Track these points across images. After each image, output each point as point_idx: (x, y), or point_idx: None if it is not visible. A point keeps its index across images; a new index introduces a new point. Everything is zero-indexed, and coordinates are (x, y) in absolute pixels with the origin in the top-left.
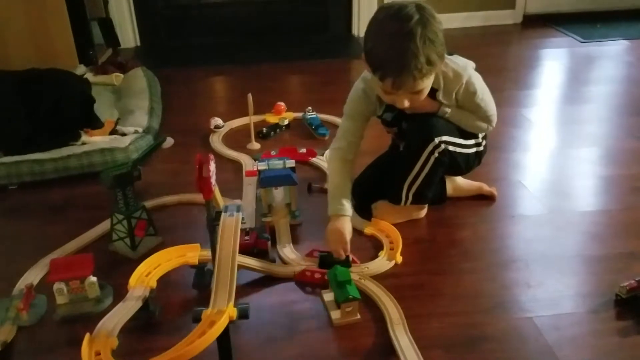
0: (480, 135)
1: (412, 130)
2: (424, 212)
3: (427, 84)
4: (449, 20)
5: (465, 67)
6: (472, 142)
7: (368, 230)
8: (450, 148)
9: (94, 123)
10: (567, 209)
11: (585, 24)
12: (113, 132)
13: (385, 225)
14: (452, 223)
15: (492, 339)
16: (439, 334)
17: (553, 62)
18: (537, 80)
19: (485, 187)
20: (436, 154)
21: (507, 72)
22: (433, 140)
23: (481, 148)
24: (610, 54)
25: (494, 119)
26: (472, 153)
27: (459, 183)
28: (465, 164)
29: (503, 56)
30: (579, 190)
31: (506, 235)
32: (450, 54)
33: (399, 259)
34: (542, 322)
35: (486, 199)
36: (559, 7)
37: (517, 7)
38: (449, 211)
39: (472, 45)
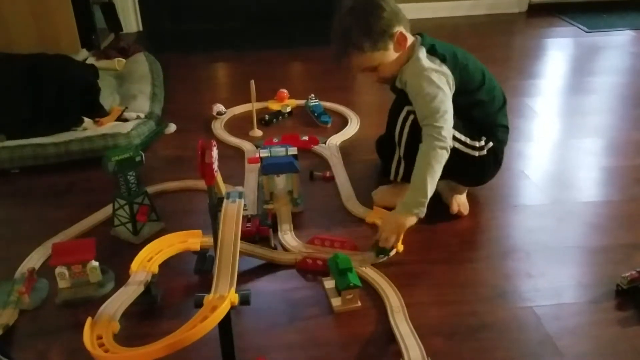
0: (482, 143)
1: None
2: None
3: (368, 61)
4: (454, 9)
5: (427, 60)
6: (465, 139)
7: (370, 218)
8: None
9: (98, 112)
10: (569, 200)
11: (590, 13)
12: (120, 119)
13: (386, 215)
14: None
15: (493, 328)
16: (439, 322)
17: (558, 51)
18: (541, 70)
19: (455, 206)
20: (407, 126)
21: (512, 62)
22: (402, 109)
23: (484, 152)
24: (615, 44)
25: (435, 122)
26: (464, 152)
27: (446, 184)
28: (458, 160)
29: (508, 45)
30: (581, 180)
31: (508, 225)
32: (421, 34)
33: (401, 247)
34: (543, 312)
35: (483, 188)
36: None
37: None
38: None
39: (477, 34)
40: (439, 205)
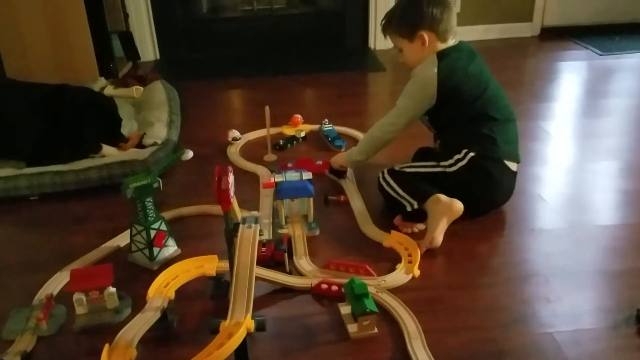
0: (458, 156)
1: None
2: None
3: (397, 42)
4: (468, 33)
5: (429, 66)
6: (431, 168)
7: (387, 242)
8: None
9: (119, 139)
10: (587, 223)
11: (603, 36)
12: (138, 145)
13: (403, 238)
14: (470, 236)
15: (512, 354)
16: (457, 348)
17: (571, 74)
18: (555, 93)
19: (428, 240)
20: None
21: (525, 85)
22: (379, 174)
23: (462, 163)
24: (629, 66)
25: (396, 117)
26: (434, 171)
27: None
28: (435, 178)
29: (521, 69)
30: (598, 203)
31: (525, 249)
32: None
33: (417, 272)
34: (562, 338)
35: (500, 212)
36: (577, 20)
37: (534, 19)
38: (466, 224)
39: (491, 58)
40: (454, 229)
